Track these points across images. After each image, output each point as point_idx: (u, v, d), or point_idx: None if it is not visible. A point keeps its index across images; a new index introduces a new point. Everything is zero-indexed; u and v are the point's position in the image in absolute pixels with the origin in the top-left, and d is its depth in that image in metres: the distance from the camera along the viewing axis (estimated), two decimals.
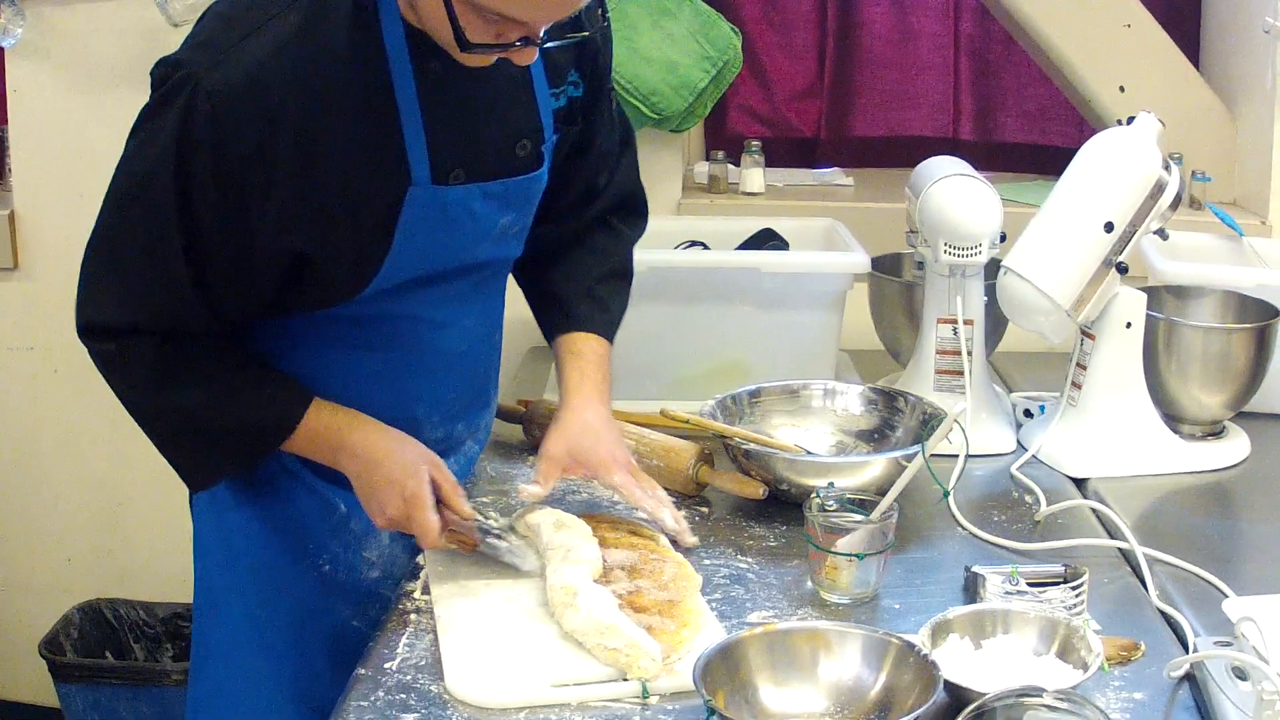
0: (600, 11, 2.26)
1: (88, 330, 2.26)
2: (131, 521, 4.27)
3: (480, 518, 2.37)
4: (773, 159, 4.23)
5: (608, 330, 2.64)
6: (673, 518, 2.44)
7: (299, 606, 2.53)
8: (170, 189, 2.12)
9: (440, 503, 2.32)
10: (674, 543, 2.43)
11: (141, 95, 2.16)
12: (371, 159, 2.22)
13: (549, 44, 2.13)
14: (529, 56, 2.14)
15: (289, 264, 2.24)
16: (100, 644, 4.17)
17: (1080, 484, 2.78)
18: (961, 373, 2.93)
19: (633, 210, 2.75)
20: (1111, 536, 2.52)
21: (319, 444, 2.36)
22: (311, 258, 2.24)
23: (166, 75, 2.12)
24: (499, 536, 2.36)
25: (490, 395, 2.73)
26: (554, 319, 2.64)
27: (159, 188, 2.13)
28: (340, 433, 2.35)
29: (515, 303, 2.70)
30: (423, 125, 2.24)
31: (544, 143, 2.43)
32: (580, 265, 2.66)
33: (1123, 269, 2.74)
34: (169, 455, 2.39)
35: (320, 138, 2.16)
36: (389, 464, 2.32)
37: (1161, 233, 2.81)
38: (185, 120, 2.09)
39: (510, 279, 2.67)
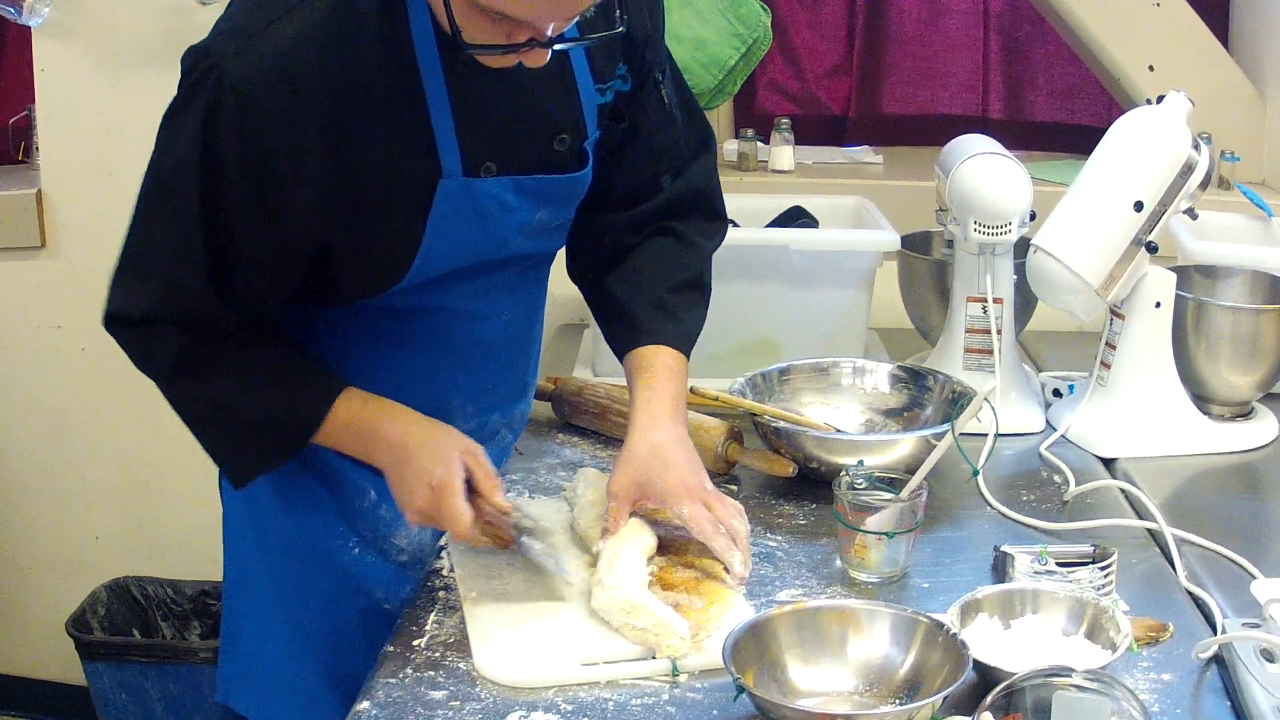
0: (619, 13, 2.15)
1: (112, 319, 2.23)
2: (159, 500, 4.28)
3: (522, 513, 2.29)
4: (802, 136, 4.22)
5: (681, 342, 2.49)
6: (742, 562, 2.22)
7: (330, 587, 2.51)
8: (195, 181, 2.09)
9: (475, 494, 2.20)
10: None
11: (169, 74, 2.14)
12: (402, 151, 2.18)
13: (560, 45, 2.06)
14: (539, 59, 2.06)
15: (317, 257, 2.21)
16: (127, 622, 4.19)
17: (1109, 464, 2.78)
18: (991, 351, 2.93)
19: (705, 214, 2.60)
20: (1140, 517, 2.52)
21: (351, 436, 2.28)
22: (341, 250, 2.21)
23: (195, 64, 2.08)
24: (534, 536, 2.26)
25: (528, 384, 2.66)
26: (621, 333, 2.50)
27: (185, 181, 2.10)
28: (372, 422, 2.26)
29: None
30: (452, 117, 2.20)
31: (586, 138, 2.37)
32: (647, 276, 2.51)
33: (1152, 248, 2.73)
34: (206, 447, 2.36)
35: (350, 128, 2.12)
36: (420, 455, 2.21)
37: (1191, 212, 2.80)
38: (211, 113, 2.05)
39: (574, 286, 2.62)
